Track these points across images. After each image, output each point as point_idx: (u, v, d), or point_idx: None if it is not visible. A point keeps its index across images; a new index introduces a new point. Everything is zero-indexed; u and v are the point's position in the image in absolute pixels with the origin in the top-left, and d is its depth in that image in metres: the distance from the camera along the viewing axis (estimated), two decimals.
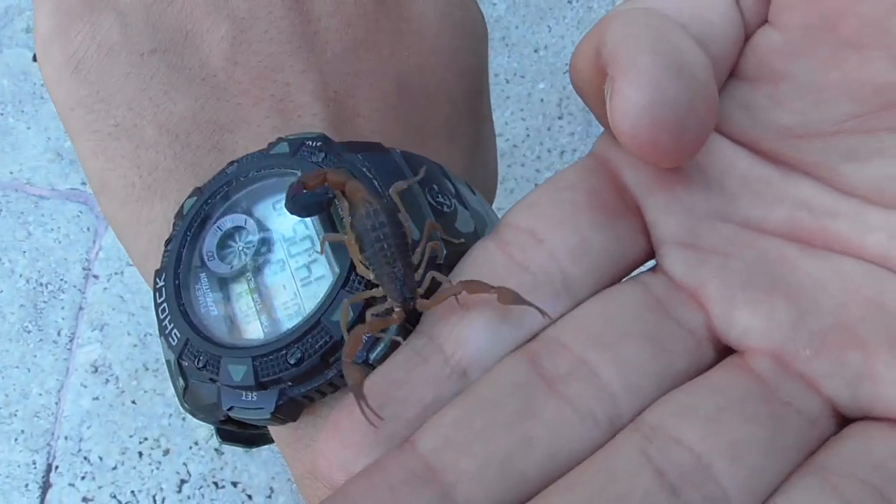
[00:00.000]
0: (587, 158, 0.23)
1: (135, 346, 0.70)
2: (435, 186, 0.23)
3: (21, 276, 0.74)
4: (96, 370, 0.70)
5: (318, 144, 0.23)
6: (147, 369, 0.69)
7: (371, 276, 0.21)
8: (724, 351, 0.20)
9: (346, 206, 0.22)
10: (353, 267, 0.22)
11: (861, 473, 0.18)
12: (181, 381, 0.24)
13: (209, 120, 0.23)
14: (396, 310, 0.21)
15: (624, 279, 0.21)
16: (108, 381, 0.69)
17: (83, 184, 0.75)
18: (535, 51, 0.74)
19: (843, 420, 0.19)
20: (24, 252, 0.74)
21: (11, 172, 0.76)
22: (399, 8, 0.24)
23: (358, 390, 0.19)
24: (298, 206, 0.22)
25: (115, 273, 0.73)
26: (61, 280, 0.73)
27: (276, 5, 0.23)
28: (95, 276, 0.73)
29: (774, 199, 0.21)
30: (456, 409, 0.19)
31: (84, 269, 0.74)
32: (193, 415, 0.24)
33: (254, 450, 0.64)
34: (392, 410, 0.19)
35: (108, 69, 0.23)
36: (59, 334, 0.72)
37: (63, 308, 0.72)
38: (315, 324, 0.21)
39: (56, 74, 0.24)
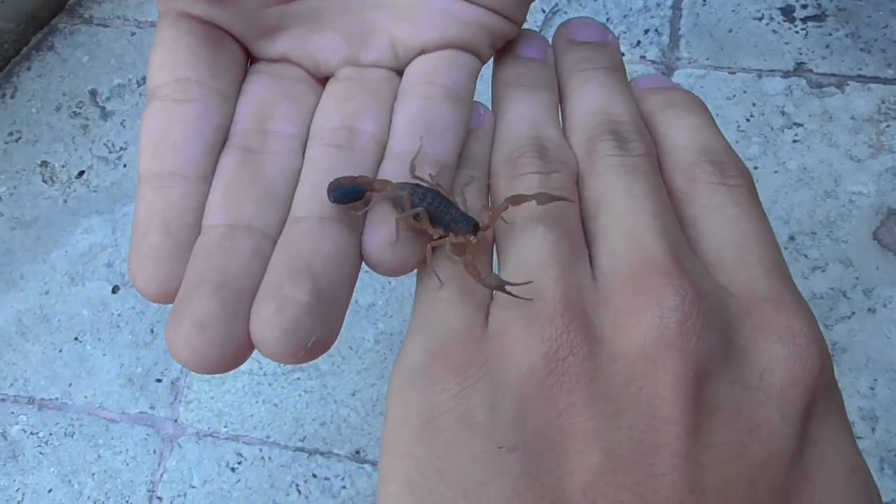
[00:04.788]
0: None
1: None
2: None
3: (89, 497, 0.81)
4: None
5: None
6: None
7: (440, 232, 0.25)
8: (326, 79, 0.30)
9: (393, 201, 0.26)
10: None
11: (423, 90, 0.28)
12: None
13: None
14: (473, 239, 0.25)
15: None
16: None
17: (152, 408, 0.84)
18: None
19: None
20: (94, 474, 0.82)
21: (86, 397, 0.85)
22: None
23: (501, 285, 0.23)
24: (337, 195, 0.26)
25: (178, 495, 0.80)
26: (126, 502, 0.80)
27: (665, 460, 0.20)
28: (159, 498, 0.80)
29: None
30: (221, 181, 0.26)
31: (149, 490, 0.81)
32: None
33: None
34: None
35: (458, 444, 0.21)
36: None
37: None
38: None
39: (403, 414, 0.22)
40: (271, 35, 0.29)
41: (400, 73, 0.29)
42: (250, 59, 0.30)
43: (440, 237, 0.25)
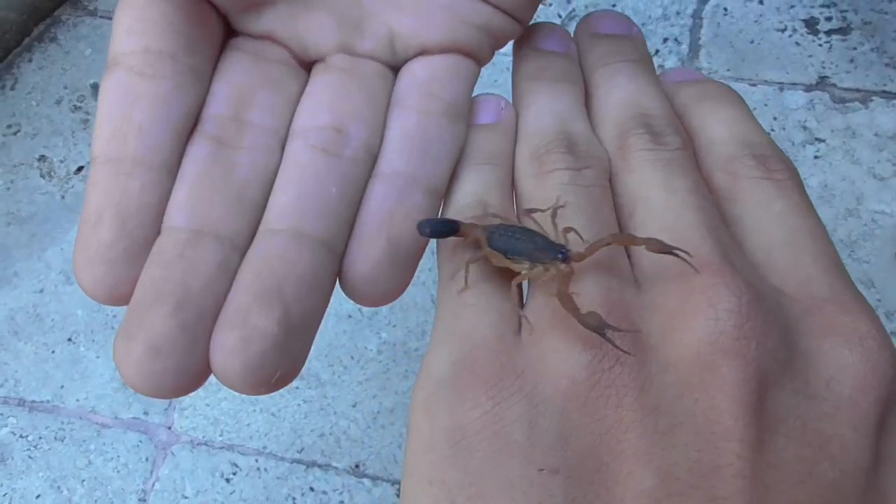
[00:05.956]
0: None
1: None
2: None
3: None
4: None
5: None
6: None
7: (526, 266, 0.23)
8: (311, 65, 0.27)
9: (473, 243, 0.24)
10: None
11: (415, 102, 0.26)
12: None
13: None
14: (562, 267, 0.22)
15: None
16: None
17: (145, 413, 0.81)
18: None
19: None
20: (83, 481, 0.80)
21: (78, 400, 0.83)
22: None
23: (604, 328, 0.20)
24: (429, 229, 0.24)
25: None
26: None
27: (726, 481, 0.18)
28: None
29: None
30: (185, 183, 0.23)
31: (140, 500, 0.79)
32: None
33: None
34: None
35: (494, 468, 0.19)
36: None
37: None
38: None
39: (429, 434, 0.20)
40: (258, 8, 0.26)
41: (394, 69, 0.27)
42: (229, 32, 0.27)
43: (526, 272, 0.23)
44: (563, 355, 0.20)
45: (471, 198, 0.26)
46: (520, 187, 0.26)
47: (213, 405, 0.81)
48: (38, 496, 0.80)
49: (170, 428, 0.81)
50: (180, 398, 0.81)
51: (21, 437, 0.82)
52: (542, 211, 0.24)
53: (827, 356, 0.21)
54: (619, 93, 0.27)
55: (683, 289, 0.21)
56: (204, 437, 0.80)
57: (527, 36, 0.30)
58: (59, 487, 0.80)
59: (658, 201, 0.24)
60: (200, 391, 0.81)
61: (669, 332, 0.20)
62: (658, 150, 0.25)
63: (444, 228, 0.24)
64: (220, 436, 0.80)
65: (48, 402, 0.84)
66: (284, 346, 0.21)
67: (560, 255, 0.22)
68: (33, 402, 0.84)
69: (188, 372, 0.21)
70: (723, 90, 0.28)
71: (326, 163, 0.24)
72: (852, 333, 0.21)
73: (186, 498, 0.78)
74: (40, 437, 0.82)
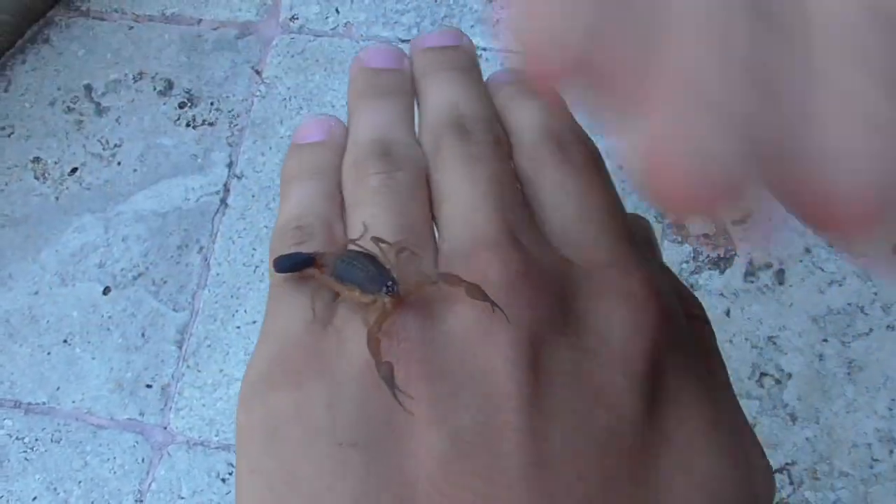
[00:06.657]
0: None
1: None
2: None
3: None
4: None
5: None
6: None
7: (357, 294, 0.24)
8: None
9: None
10: None
11: None
12: None
13: None
14: (387, 300, 0.23)
15: None
16: None
17: (141, 414, 0.82)
18: None
19: None
20: (80, 482, 0.80)
21: (73, 402, 0.83)
22: (647, 475, 0.21)
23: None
24: (284, 266, 0.25)
25: None
26: None
27: (507, 436, 0.20)
28: None
29: None
30: None
31: (137, 500, 0.79)
32: None
33: None
34: None
35: (303, 451, 0.21)
36: None
37: None
38: None
39: (248, 427, 0.22)
40: None
41: None
42: None
43: (355, 299, 0.24)
44: (359, 339, 0.22)
45: (297, 209, 0.27)
46: (344, 195, 0.28)
47: (209, 405, 0.81)
48: (34, 498, 0.80)
49: (165, 428, 0.81)
50: (176, 399, 0.81)
51: (17, 439, 0.83)
52: (388, 243, 0.25)
53: (601, 313, 0.22)
54: (437, 98, 0.30)
55: (465, 265, 0.23)
56: (200, 437, 0.80)
57: (359, 58, 0.32)
58: (55, 489, 0.80)
59: (460, 193, 0.26)
60: (196, 391, 0.81)
61: (452, 304, 0.23)
62: (465, 146, 0.27)
63: (300, 262, 0.25)
64: (216, 436, 0.80)
65: (44, 403, 0.84)
66: None
67: (386, 288, 0.23)
68: (29, 404, 0.84)
69: None
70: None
71: None
72: (624, 290, 0.23)
73: (183, 498, 0.78)
74: (36, 440, 0.82)
